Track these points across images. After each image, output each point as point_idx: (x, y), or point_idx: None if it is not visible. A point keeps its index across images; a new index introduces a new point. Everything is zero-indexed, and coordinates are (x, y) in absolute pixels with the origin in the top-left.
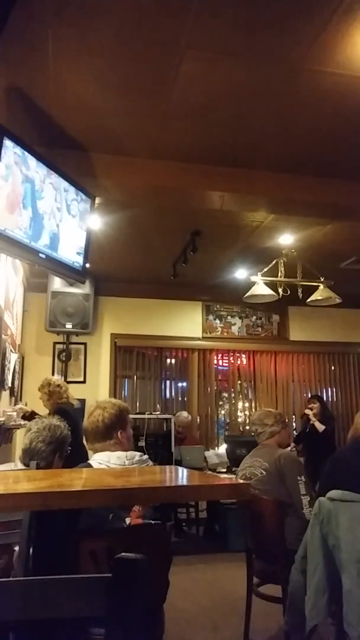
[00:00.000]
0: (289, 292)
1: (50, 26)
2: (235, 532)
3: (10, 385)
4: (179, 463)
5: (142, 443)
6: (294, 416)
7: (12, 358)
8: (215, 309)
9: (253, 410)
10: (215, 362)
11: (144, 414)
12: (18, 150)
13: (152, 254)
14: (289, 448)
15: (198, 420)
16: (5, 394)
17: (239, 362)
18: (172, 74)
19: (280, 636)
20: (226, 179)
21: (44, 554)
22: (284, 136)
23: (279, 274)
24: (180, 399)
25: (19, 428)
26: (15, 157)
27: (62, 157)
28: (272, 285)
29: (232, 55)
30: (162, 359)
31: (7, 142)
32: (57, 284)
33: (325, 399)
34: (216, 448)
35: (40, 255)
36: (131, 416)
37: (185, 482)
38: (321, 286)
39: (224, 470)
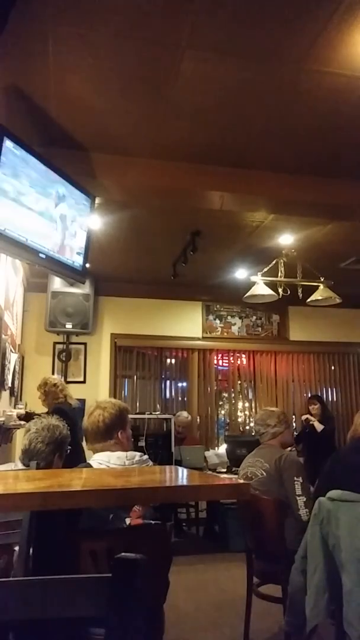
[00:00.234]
0: (289, 292)
1: (50, 26)
2: (235, 532)
3: (10, 385)
4: (179, 463)
5: (142, 443)
6: (294, 416)
7: (12, 358)
8: (215, 309)
9: (253, 410)
10: (215, 362)
11: (144, 414)
12: (18, 150)
13: (152, 254)
14: (289, 448)
15: (198, 420)
16: (5, 394)
17: (239, 362)
18: (172, 74)
19: (280, 636)
20: (226, 179)
21: (44, 554)
22: (284, 136)
23: (279, 274)
24: (180, 399)
25: (18, 428)
26: (15, 157)
27: (62, 157)
28: (272, 285)
29: (232, 55)
30: (162, 359)
31: (7, 142)
32: (57, 284)
33: (325, 399)
34: (216, 448)
35: (40, 255)
36: (131, 416)
37: (185, 482)
38: (321, 286)
39: (224, 470)
